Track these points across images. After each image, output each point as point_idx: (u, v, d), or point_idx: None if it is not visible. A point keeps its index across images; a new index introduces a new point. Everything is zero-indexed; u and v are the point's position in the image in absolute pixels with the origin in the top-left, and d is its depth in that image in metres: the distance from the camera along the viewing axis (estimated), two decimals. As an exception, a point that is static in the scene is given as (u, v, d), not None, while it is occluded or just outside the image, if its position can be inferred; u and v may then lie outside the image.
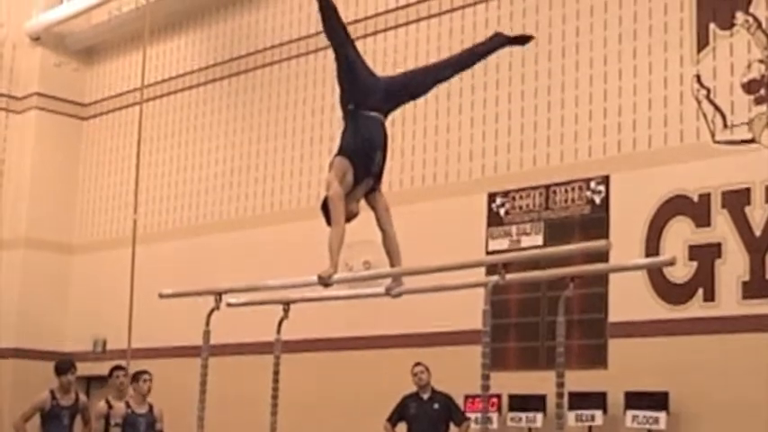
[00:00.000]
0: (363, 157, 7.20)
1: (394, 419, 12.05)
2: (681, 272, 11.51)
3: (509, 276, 6.66)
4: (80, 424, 11.27)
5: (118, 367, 11.27)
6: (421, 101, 14.16)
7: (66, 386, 11.00)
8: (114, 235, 18.31)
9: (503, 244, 13.06)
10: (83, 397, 11.25)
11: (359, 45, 7.82)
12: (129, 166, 17.61)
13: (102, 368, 16.43)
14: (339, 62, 7.44)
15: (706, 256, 11.48)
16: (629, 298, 11.95)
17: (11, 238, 18.93)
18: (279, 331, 8.33)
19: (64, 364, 11.21)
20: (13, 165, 19.15)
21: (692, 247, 11.58)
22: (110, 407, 10.83)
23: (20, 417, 11.11)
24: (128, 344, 14.19)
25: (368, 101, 7.42)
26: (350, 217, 7.27)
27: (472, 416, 12.34)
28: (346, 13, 15.33)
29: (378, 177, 7.38)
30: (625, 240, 11.55)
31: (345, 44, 7.41)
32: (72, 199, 19.37)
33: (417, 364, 12.05)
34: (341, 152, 7.29)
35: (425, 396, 11.95)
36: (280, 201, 15.95)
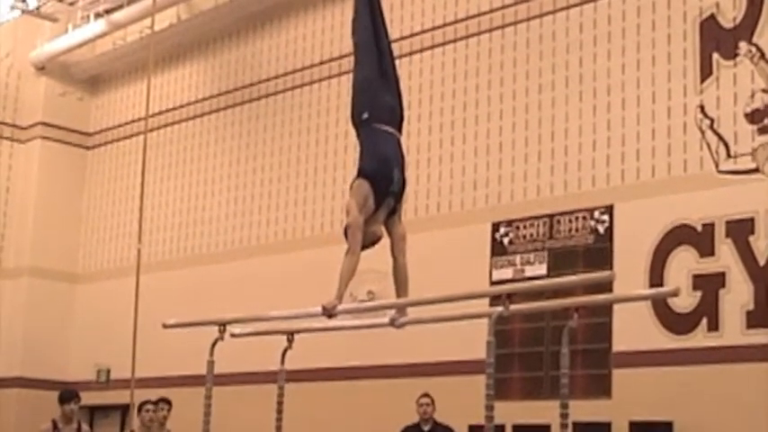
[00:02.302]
0: (383, 177, 7.03)
1: None
2: (685, 301, 11.50)
3: (513, 307, 6.65)
4: None
5: (148, 402, 11.26)
6: (425, 130, 14.35)
7: (69, 415, 10.99)
8: (118, 264, 18.33)
9: (507, 273, 13.06)
10: (85, 427, 11.23)
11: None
12: (133, 196, 17.66)
13: (106, 398, 16.50)
14: (355, 65, 7.22)
15: (710, 285, 11.47)
16: (633, 327, 11.93)
17: (15, 266, 18.95)
18: (283, 362, 8.31)
19: (67, 394, 11.20)
20: (17, 194, 19.18)
21: (696, 277, 11.56)
22: None
23: None
24: (131, 373, 14.16)
25: (383, 114, 7.19)
26: (374, 241, 7.12)
27: (477, 446, 12.34)
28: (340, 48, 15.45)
29: (398, 197, 7.21)
30: (629, 270, 11.55)
31: (367, 45, 7.16)
32: (76, 228, 19.39)
33: (424, 395, 12.04)
34: (360, 174, 7.08)
35: (426, 428, 11.93)
36: (284, 229, 15.96)
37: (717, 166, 11.66)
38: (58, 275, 19.05)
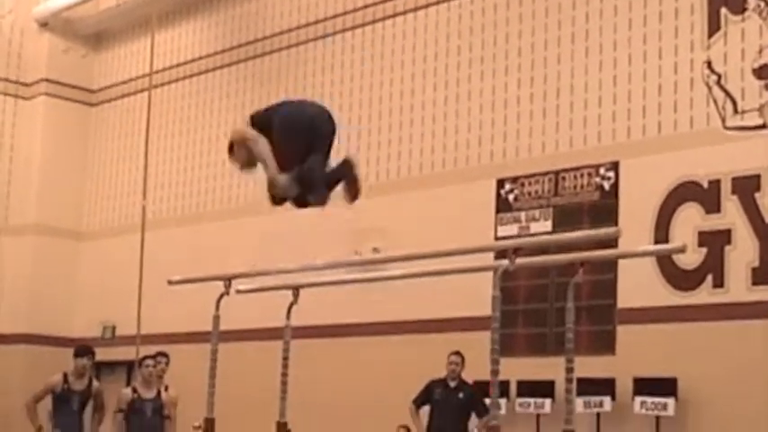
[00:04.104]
0: None
1: (419, 402, 12.14)
2: (690, 258, 11.49)
3: (518, 261, 6.65)
4: (94, 410, 11.27)
5: (147, 357, 11.29)
6: (429, 87, 14.30)
7: (81, 370, 11.01)
8: (123, 221, 18.32)
9: (511, 230, 13.04)
10: (96, 383, 11.24)
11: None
12: (137, 153, 17.61)
13: (111, 354, 16.54)
14: None
15: (716, 242, 11.46)
16: (638, 284, 11.93)
17: (20, 224, 18.95)
18: (288, 316, 8.30)
19: (81, 349, 11.23)
20: (22, 151, 19.15)
21: (701, 234, 11.55)
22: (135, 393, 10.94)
23: (31, 397, 11.12)
24: (137, 330, 14.21)
25: None
26: None
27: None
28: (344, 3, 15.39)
29: None
30: (634, 227, 11.52)
31: None
32: (81, 185, 19.38)
33: (455, 353, 12.11)
34: None
35: (452, 384, 12.02)
36: (289, 187, 15.89)
37: (723, 122, 11.61)
38: (63, 233, 19.07)
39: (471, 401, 11.90)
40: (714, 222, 11.51)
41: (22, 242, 18.83)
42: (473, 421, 11.87)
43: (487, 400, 11.56)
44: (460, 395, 11.94)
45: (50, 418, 11.24)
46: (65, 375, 11.02)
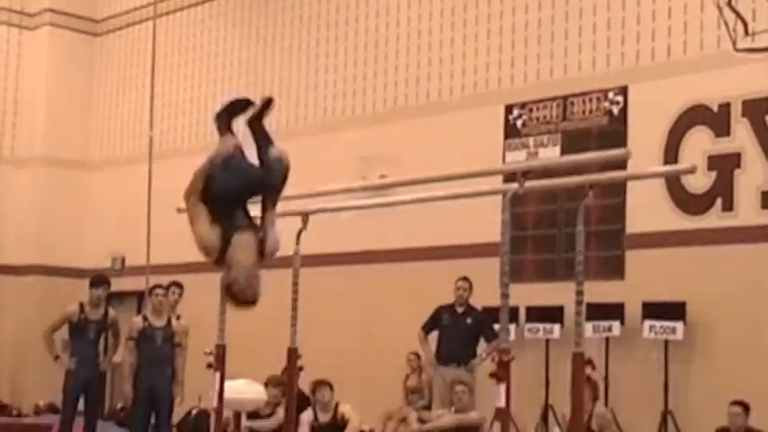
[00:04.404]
0: None
1: (427, 328, 12.19)
2: (699, 182, 11.46)
3: (528, 185, 6.63)
4: (110, 339, 11.32)
5: (158, 286, 11.32)
6: (436, 12, 14.17)
7: (96, 301, 11.04)
8: (131, 152, 18.30)
9: (520, 156, 12.99)
10: (112, 312, 11.27)
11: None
12: (143, 83, 17.54)
13: (121, 285, 16.58)
14: None
15: (725, 165, 11.42)
16: (648, 209, 11.92)
17: (28, 156, 18.96)
18: (297, 242, 8.30)
19: (97, 279, 11.25)
20: (26, 82, 19.09)
21: (711, 158, 11.50)
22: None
23: (48, 327, 11.16)
24: (146, 260, 14.25)
25: None
26: None
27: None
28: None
29: None
30: (643, 151, 11.40)
31: None
32: (87, 116, 19.34)
33: (463, 278, 12.15)
34: None
35: (460, 310, 12.07)
36: (295, 116, 15.87)
37: (734, 44, 11.50)
38: (71, 164, 19.07)
39: (479, 326, 11.96)
40: (724, 146, 11.46)
41: (30, 174, 18.85)
42: (481, 346, 11.91)
43: (496, 326, 11.62)
44: (468, 320, 12.00)
45: (64, 348, 11.31)
46: (81, 305, 11.06)
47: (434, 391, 12.30)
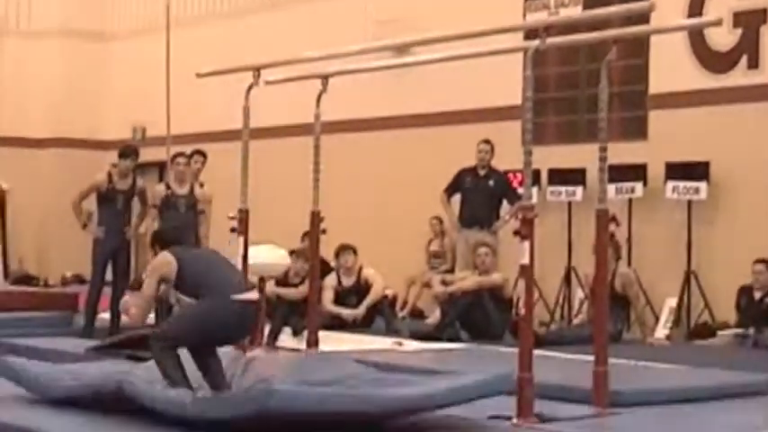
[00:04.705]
0: None
1: (450, 191, 12.18)
2: (724, 39, 11.29)
3: (549, 41, 6.51)
4: (137, 209, 11.34)
5: (181, 154, 11.31)
6: None
7: (124, 171, 11.03)
8: (149, 21, 18.09)
9: (541, 16, 12.77)
10: (140, 182, 11.27)
11: None
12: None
13: (143, 155, 16.52)
14: None
15: (751, 22, 11.23)
16: (671, 68, 11.78)
17: (45, 28, 18.83)
18: (318, 105, 8.24)
19: (125, 150, 11.22)
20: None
21: (736, 14, 11.29)
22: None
23: (77, 195, 11.18)
24: (167, 129, 14.22)
25: None
26: None
27: (512, 190, 12.42)
28: None
29: None
30: (667, 8, 11.23)
31: None
32: (103, -15, 19.18)
33: (485, 141, 12.07)
34: None
35: (482, 172, 12.02)
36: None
37: None
38: (89, 35, 18.95)
39: (501, 188, 11.93)
40: (750, 2, 11.25)
41: (48, 46, 18.76)
42: (504, 208, 11.91)
43: (520, 189, 11.61)
44: (490, 182, 11.96)
45: (88, 218, 11.33)
46: (109, 175, 11.06)
47: (458, 254, 12.35)
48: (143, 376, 6.15)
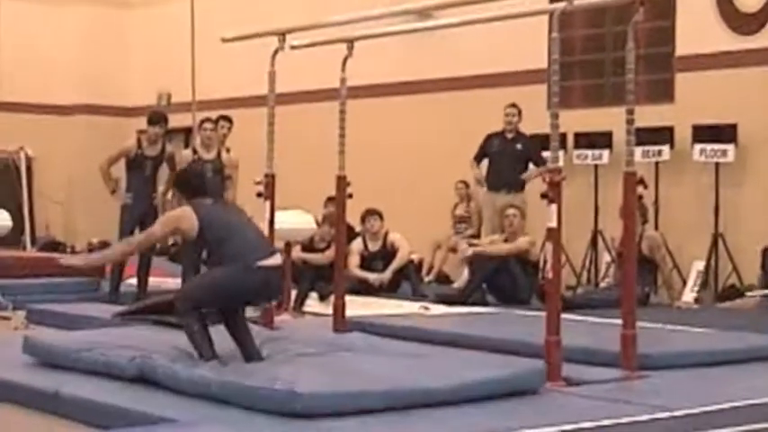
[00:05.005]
0: None
1: (479, 158, 12.13)
2: (752, 0, 11.19)
3: (576, 2, 6.46)
4: (165, 176, 11.35)
5: (207, 120, 11.30)
6: None
7: (153, 138, 11.00)
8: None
9: (567, -20, 12.69)
10: (169, 148, 11.26)
11: None
12: None
13: (169, 121, 16.62)
14: None
15: (779, -17, 11.14)
16: (697, 30, 11.71)
17: (69, -5, 18.91)
18: (343, 70, 8.20)
19: (154, 116, 11.19)
20: None
21: (764, -25, 11.22)
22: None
23: (105, 160, 11.16)
24: (192, 95, 14.24)
25: None
26: None
27: (538, 155, 12.38)
28: None
29: None
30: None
31: None
32: (127, -49, 19.15)
33: (511, 105, 12.02)
34: None
35: (510, 136, 11.97)
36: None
37: None
38: (114, 2, 18.98)
39: (529, 151, 11.89)
40: (778, -38, 11.16)
41: (73, 12, 18.78)
42: (531, 169, 11.84)
43: (546, 153, 11.58)
44: (518, 146, 11.92)
45: (116, 184, 11.32)
46: (138, 141, 11.07)
47: (484, 218, 12.36)
48: (166, 353, 6.09)
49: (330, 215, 11.08)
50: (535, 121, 11.93)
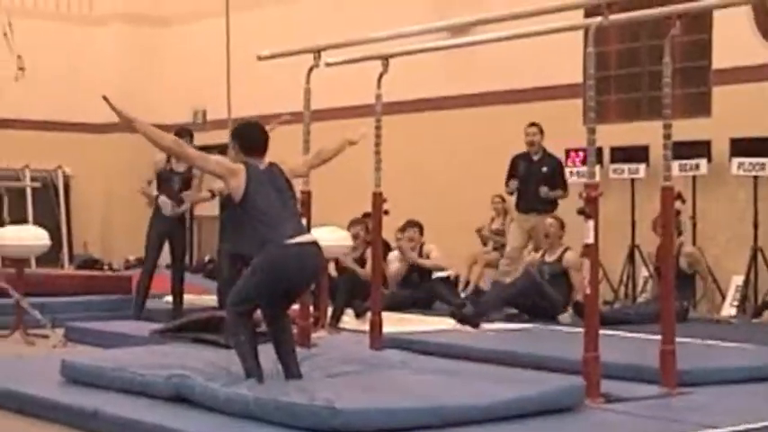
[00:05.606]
0: None
1: (508, 179, 11.96)
2: (789, 13, 11.13)
3: (612, 17, 6.43)
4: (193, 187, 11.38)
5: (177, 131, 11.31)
6: None
7: None
8: (208, 5, 18.15)
9: (601, -5, 12.65)
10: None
11: None
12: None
13: (204, 139, 16.67)
14: None
15: (816, -5, 11.04)
16: (734, 43, 11.63)
17: (106, 14, 19.01)
18: (379, 86, 8.19)
19: (180, 131, 11.23)
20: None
21: (802, -13, 11.12)
22: None
23: (144, 181, 11.24)
24: (227, 112, 14.26)
25: None
26: None
27: (574, 169, 12.32)
28: None
29: None
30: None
31: None
32: (163, -30, 19.28)
33: (532, 124, 11.85)
34: None
35: (535, 157, 11.78)
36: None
37: None
38: (149, 20, 19.08)
39: (555, 175, 11.66)
40: (814, -26, 11.06)
41: (109, 32, 18.94)
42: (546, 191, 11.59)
43: (583, 168, 11.53)
44: (544, 168, 11.68)
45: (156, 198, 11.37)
46: (168, 157, 11.12)
47: (509, 238, 12.16)
48: (204, 371, 6.09)
49: (356, 234, 11.17)
50: (571, 136, 11.89)
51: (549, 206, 11.57)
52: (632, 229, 12.26)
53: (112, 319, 10.30)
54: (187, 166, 11.09)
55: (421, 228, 11.92)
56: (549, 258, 10.96)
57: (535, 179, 11.66)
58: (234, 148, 6.48)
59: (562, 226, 11.02)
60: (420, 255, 11.93)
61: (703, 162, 11.68)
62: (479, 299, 11.14)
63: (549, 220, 11.03)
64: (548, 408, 5.66)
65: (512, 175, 11.95)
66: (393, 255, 12.00)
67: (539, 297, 10.59)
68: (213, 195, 11.28)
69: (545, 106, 12.99)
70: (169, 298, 11.15)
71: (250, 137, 6.41)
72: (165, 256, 11.21)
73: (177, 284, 10.96)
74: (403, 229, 11.90)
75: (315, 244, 6.31)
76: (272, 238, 6.08)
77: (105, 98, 6.76)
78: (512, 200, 12.38)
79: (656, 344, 6.38)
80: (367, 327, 8.48)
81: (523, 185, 11.80)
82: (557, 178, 11.71)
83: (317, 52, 8.14)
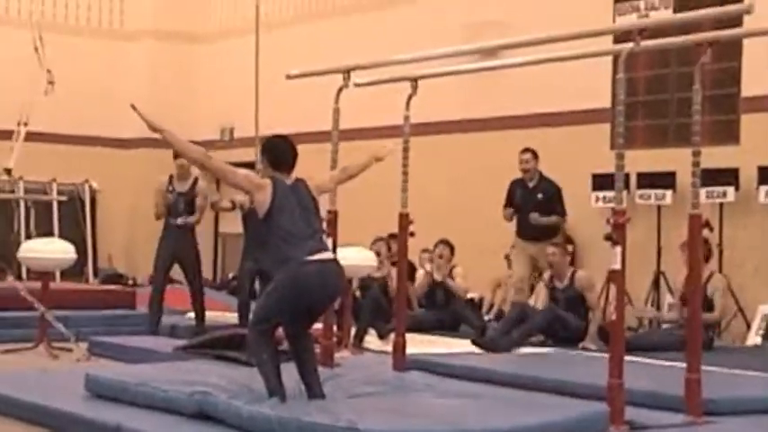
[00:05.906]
0: None
1: (506, 205, 11.58)
2: (820, 41, 11.07)
3: (643, 44, 6.42)
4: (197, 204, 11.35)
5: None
6: None
7: (180, 171, 11.02)
8: (238, 23, 18.26)
9: (631, 20, 12.64)
10: (202, 183, 11.24)
11: None
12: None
13: (231, 156, 16.71)
14: None
15: None
16: (764, 71, 11.58)
17: (137, 30, 19.15)
18: (408, 107, 8.21)
19: None
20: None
21: (831, 16, 11.07)
22: None
23: (155, 208, 11.26)
24: (255, 130, 14.31)
25: None
26: None
27: (600, 194, 12.29)
28: None
29: None
30: (760, 9, 11.06)
31: None
32: (195, -12, 19.41)
33: (525, 150, 11.46)
34: None
35: (531, 184, 11.38)
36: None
37: None
38: (180, 37, 19.19)
39: (551, 202, 11.24)
40: None
41: (140, 48, 19.08)
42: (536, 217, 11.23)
43: (606, 193, 11.49)
44: (539, 196, 11.27)
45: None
46: (170, 177, 11.15)
47: (513, 265, 11.79)
48: (227, 388, 6.09)
49: (378, 251, 11.18)
50: (597, 160, 11.88)
51: (549, 232, 11.13)
52: (658, 256, 12.21)
53: (138, 335, 10.34)
54: (189, 185, 11.11)
55: (452, 247, 11.87)
56: (560, 285, 10.69)
57: (531, 206, 11.25)
58: (263, 162, 6.47)
59: (565, 250, 10.84)
60: (449, 275, 11.89)
61: (731, 190, 11.63)
62: (503, 328, 10.81)
63: (551, 250, 10.69)
64: (572, 434, 5.64)
65: (509, 201, 11.56)
66: (420, 274, 12.01)
67: (562, 329, 10.47)
68: (234, 206, 11.27)
69: (570, 130, 12.98)
70: (192, 314, 11.18)
71: (279, 151, 6.41)
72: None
73: (197, 303, 10.99)
74: (434, 247, 11.89)
75: (335, 262, 6.31)
76: (294, 255, 6.07)
77: (134, 106, 6.75)
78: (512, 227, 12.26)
79: (680, 371, 6.34)
80: (390, 348, 8.47)
81: (521, 213, 11.38)
82: (553, 204, 11.28)
83: (347, 72, 8.16)
